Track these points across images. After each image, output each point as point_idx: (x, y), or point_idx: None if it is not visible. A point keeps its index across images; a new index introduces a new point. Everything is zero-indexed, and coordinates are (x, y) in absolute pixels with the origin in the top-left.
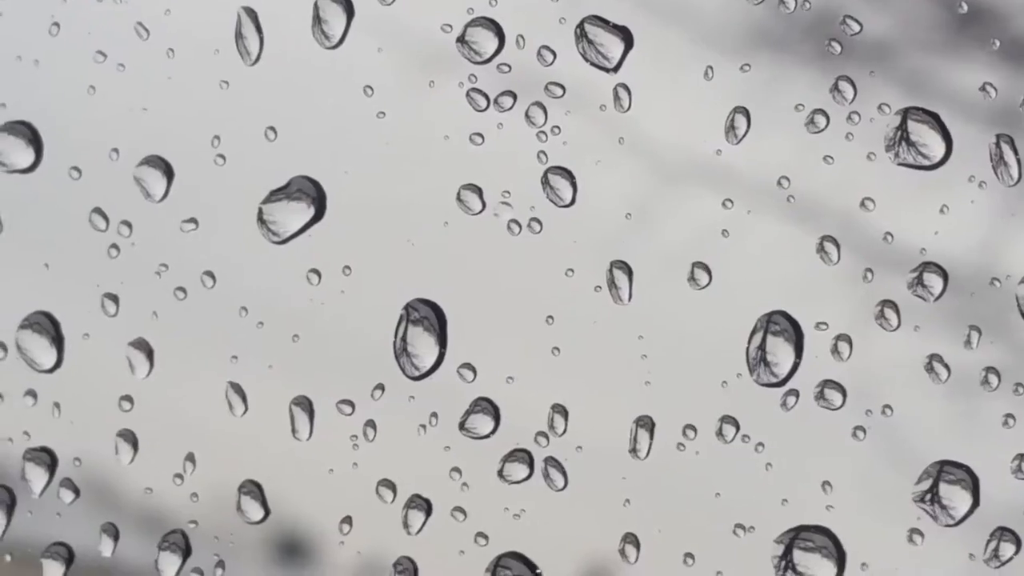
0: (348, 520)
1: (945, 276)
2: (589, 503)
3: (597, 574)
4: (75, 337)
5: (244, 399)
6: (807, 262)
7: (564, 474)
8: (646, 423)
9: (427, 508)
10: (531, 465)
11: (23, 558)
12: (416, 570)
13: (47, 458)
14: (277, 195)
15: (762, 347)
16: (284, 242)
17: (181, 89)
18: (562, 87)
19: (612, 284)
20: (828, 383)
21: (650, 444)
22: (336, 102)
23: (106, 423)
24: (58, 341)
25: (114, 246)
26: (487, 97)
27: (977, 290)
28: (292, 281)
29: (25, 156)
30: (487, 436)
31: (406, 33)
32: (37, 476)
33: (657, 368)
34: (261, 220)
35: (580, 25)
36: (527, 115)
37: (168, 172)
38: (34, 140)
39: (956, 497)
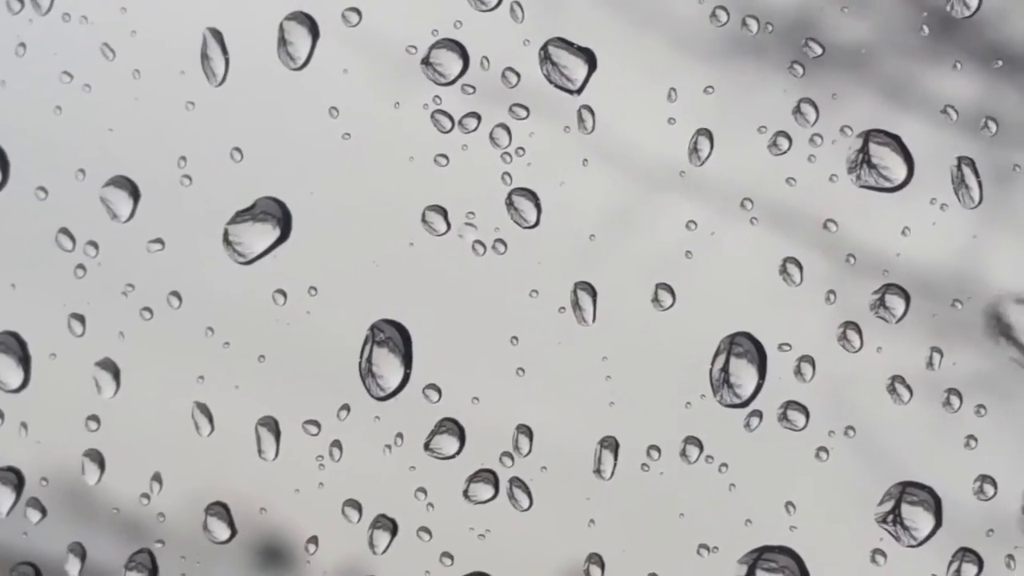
0: (314, 540)
1: (907, 297)
2: (554, 523)
3: None
4: (42, 357)
5: (210, 419)
6: (770, 283)
7: (529, 494)
8: (610, 444)
9: (393, 528)
10: (496, 485)
11: None
12: None
13: (14, 477)
14: (243, 216)
15: (725, 368)
16: (250, 263)
17: (147, 110)
18: (526, 108)
19: (576, 305)
20: (791, 404)
21: (614, 465)
22: (301, 123)
23: (73, 442)
24: (25, 361)
25: (80, 266)
26: (452, 118)
27: (939, 312)
28: (258, 301)
29: None
30: (452, 456)
31: (371, 54)
32: (4, 495)
33: (621, 389)
34: (227, 241)
35: (544, 47)
36: (491, 136)
37: (134, 193)
38: (0, 160)
39: (919, 518)
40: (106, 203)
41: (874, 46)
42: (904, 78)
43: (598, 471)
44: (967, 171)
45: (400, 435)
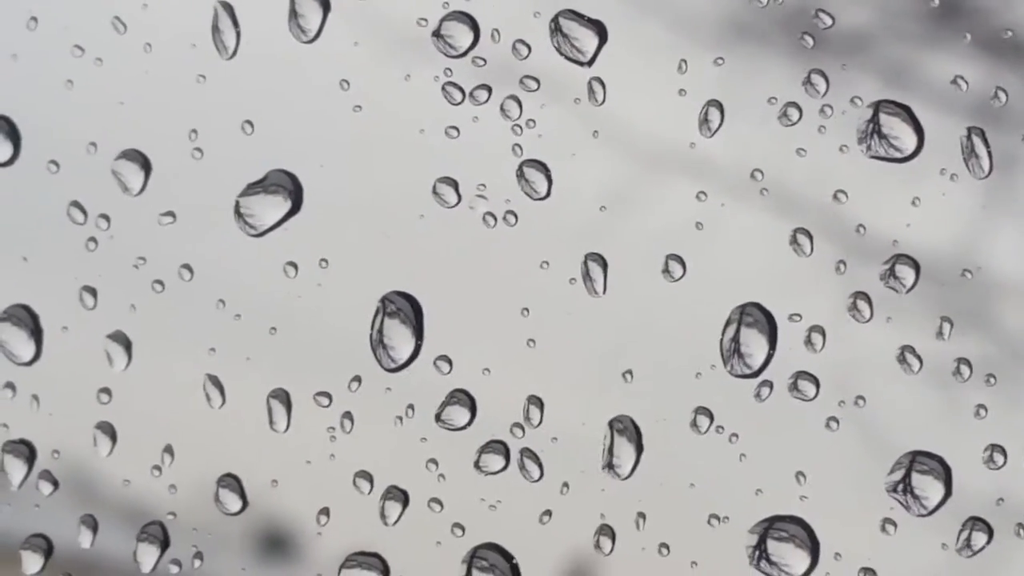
0: (325, 511)
1: (917, 268)
2: (565, 494)
3: (574, 565)
4: (54, 330)
5: (222, 391)
6: (781, 254)
7: (540, 465)
8: (623, 429)
9: (404, 499)
10: (507, 456)
11: (2, 550)
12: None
13: (26, 450)
14: (254, 188)
15: (736, 339)
16: (261, 235)
17: (158, 83)
18: (537, 80)
19: (587, 276)
20: (801, 374)
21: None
22: (312, 96)
23: (85, 415)
24: (37, 334)
25: (92, 239)
26: (462, 91)
27: (949, 282)
28: (269, 274)
29: (3, 150)
30: (463, 428)
31: (382, 27)
32: (16, 468)
33: (631, 359)
34: (238, 213)
35: (555, 19)
36: (502, 108)
37: (146, 165)
38: (12, 134)
39: (929, 487)
40: (117, 176)
41: (879, 30)
42: (916, 49)
43: (610, 465)
44: (977, 140)
45: (411, 407)
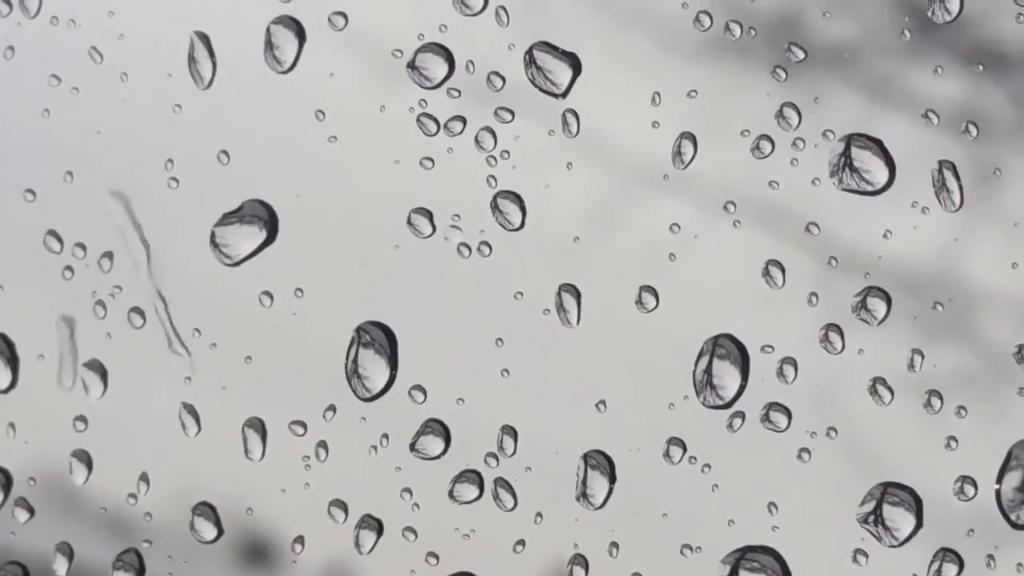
0: (300, 540)
1: (889, 300)
2: (538, 523)
3: None
4: (30, 358)
5: (197, 420)
6: (753, 286)
7: (513, 494)
8: (596, 464)
9: (378, 528)
10: (481, 486)
11: None
12: None
13: (2, 477)
14: (230, 218)
15: (708, 370)
16: (237, 265)
17: (134, 113)
18: (511, 112)
19: (561, 307)
20: (774, 405)
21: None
22: (288, 126)
23: (61, 443)
24: (13, 362)
25: (68, 268)
26: (437, 122)
27: (920, 314)
28: (245, 303)
29: None
30: (437, 457)
31: (357, 58)
32: None
33: (605, 390)
34: (214, 243)
35: (529, 51)
36: (477, 139)
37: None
38: None
39: (900, 518)
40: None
41: (856, 48)
42: (887, 79)
43: (583, 496)
44: (948, 175)
45: (386, 436)
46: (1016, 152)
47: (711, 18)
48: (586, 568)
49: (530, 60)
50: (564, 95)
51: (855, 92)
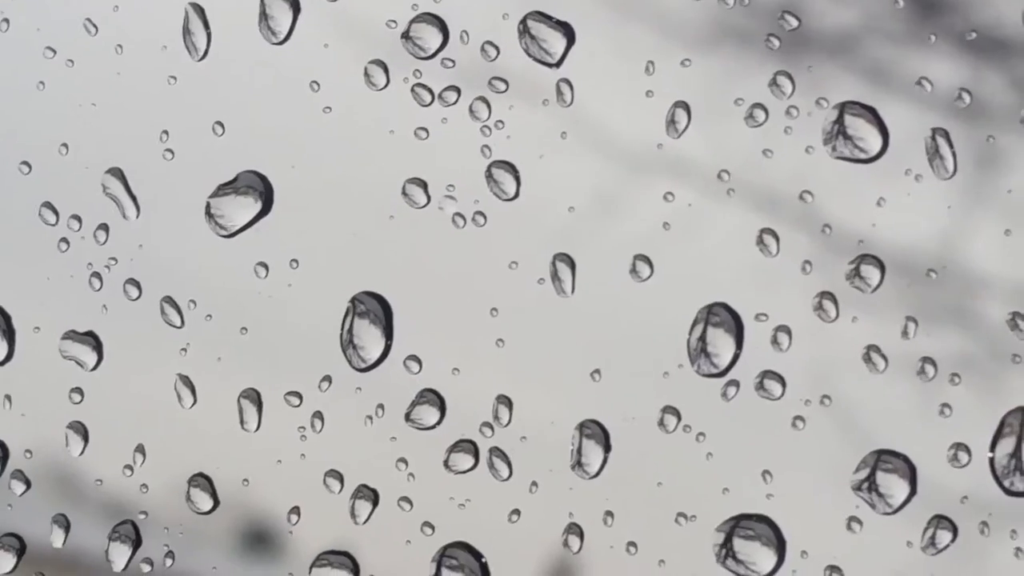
0: (296, 511)
1: (882, 267)
2: (533, 493)
3: (543, 563)
4: (26, 330)
5: (193, 391)
6: (747, 254)
7: (509, 464)
8: (591, 433)
9: (374, 498)
10: (476, 455)
11: None
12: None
13: None
14: (225, 189)
15: (703, 338)
16: (232, 236)
17: (129, 85)
18: (505, 82)
19: (555, 276)
20: (768, 374)
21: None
22: (283, 97)
23: (57, 415)
24: (9, 334)
25: (64, 240)
26: (431, 92)
27: (914, 281)
28: (240, 274)
29: None
30: (433, 427)
31: (352, 29)
32: None
33: (600, 359)
34: (209, 214)
35: (523, 21)
36: (471, 110)
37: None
38: None
39: (894, 486)
40: (111, 196)
41: (855, 31)
42: (885, 62)
43: (578, 464)
44: (941, 142)
45: (381, 406)
46: (1010, 120)
47: None
48: (581, 537)
49: (524, 29)
50: (558, 65)
51: (852, 72)
